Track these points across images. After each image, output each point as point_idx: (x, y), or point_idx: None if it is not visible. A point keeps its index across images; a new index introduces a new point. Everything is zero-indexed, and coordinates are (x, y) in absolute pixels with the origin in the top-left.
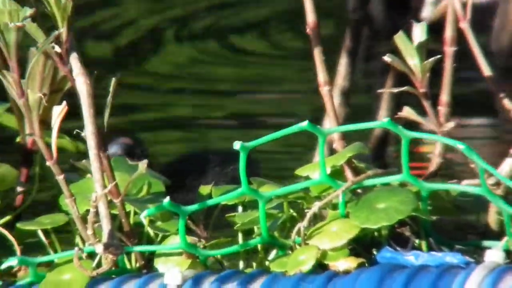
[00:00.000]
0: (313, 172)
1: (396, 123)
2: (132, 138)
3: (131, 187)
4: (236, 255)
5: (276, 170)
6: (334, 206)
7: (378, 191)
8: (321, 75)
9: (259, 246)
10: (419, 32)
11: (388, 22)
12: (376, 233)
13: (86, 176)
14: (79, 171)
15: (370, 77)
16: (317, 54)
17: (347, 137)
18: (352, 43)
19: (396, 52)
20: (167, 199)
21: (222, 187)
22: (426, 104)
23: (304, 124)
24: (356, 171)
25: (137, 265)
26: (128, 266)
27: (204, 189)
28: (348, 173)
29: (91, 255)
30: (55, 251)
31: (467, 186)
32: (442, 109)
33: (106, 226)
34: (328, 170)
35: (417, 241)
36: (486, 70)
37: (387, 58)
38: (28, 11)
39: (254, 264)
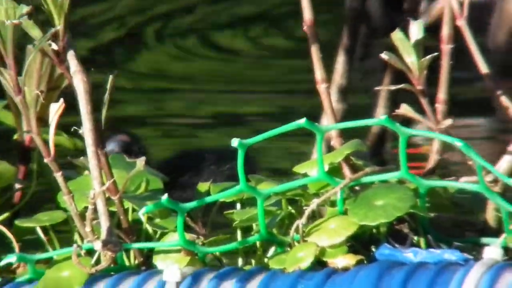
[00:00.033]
0: (311, 169)
1: (394, 120)
2: (130, 135)
3: (129, 184)
4: (235, 252)
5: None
6: (332, 203)
7: (376, 188)
8: (319, 73)
9: (257, 243)
10: (416, 30)
11: (385, 20)
12: (374, 230)
13: (84, 173)
14: (77, 168)
15: (367, 74)
16: (314, 52)
17: (345, 134)
18: (349, 40)
19: (393, 49)
20: (165, 196)
21: (220, 184)
22: (424, 102)
23: (302, 121)
24: (354, 168)
25: (136, 262)
26: (127, 263)
27: (202, 186)
28: (346, 170)
29: (90, 252)
30: (54, 248)
31: (465, 183)
32: (440, 107)
33: (104, 223)
34: (326, 168)
35: (415, 238)
36: (483, 68)
37: (384, 55)
38: (25, 9)
39: (253, 261)
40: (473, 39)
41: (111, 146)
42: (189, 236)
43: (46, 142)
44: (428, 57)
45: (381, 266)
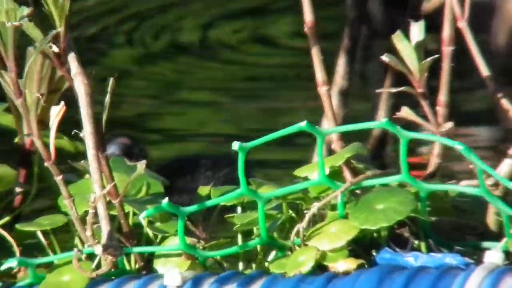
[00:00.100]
0: (312, 172)
1: (395, 123)
2: (130, 138)
3: (130, 188)
4: (236, 256)
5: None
6: (333, 207)
7: (377, 192)
8: (320, 75)
9: (258, 247)
10: (417, 32)
11: (386, 22)
12: (375, 234)
13: (84, 176)
14: (77, 171)
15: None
16: (315, 53)
17: (346, 138)
18: (350, 42)
19: (394, 51)
20: (165, 200)
21: (221, 188)
22: (424, 104)
23: (303, 124)
24: (355, 172)
25: (137, 266)
26: (127, 267)
27: (203, 190)
28: (347, 174)
29: (91, 256)
30: (55, 252)
31: (465, 187)
32: (440, 110)
33: (105, 227)
34: (327, 171)
35: (416, 242)
36: (484, 70)
37: (385, 58)
38: (25, 11)
39: (254, 265)
40: (474, 41)
41: (112, 149)
42: (189, 240)
43: (46, 146)
44: (429, 59)
45: (382, 270)
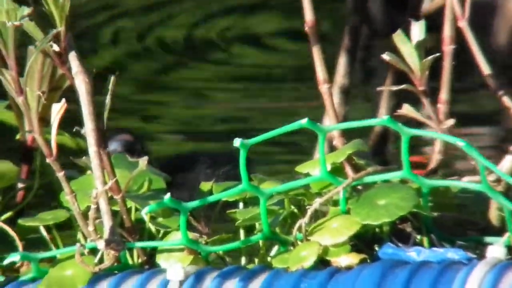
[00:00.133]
0: (314, 169)
1: (396, 120)
2: (132, 134)
3: (132, 184)
4: (238, 251)
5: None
6: (335, 203)
7: (379, 188)
8: (320, 73)
9: (260, 242)
10: (418, 31)
11: (387, 21)
12: (377, 229)
13: (86, 173)
14: (79, 167)
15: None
16: (316, 52)
17: (347, 135)
18: (351, 41)
19: (395, 50)
20: (167, 196)
21: (223, 183)
22: (425, 102)
23: (304, 121)
24: (356, 168)
25: (139, 261)
26: (130, 262)
27: (205, 186)
28: (349, 170)
29: (93, 251)
30: (57, 247)
31: (467, 182)
32: (442, 107)
33: (107, 222)
34: (329, 167)
35: (418, 237)
36: (485, 68)
37: (386, 56)
38: (26, 10)
39: (256, 260)
40: (475, 40)
41: (114, 145)
42: (192, 235)
43: (48, 142)
44: (430, 58)
45: (384, 265)
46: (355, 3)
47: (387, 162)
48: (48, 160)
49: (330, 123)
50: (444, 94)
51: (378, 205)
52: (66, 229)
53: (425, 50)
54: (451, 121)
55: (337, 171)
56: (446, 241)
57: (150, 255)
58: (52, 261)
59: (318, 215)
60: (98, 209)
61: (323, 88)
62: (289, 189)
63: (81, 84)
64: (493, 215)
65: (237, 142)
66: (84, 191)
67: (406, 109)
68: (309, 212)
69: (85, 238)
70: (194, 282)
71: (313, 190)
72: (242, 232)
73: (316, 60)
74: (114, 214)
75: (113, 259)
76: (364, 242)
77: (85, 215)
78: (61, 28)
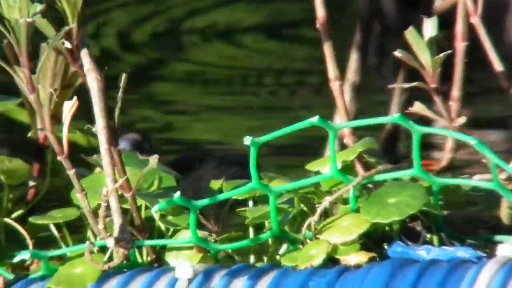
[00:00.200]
0: (324, 167)
1: (408, 118)
2: (141, 133)
3: (142, 182)
4: (247, 250)
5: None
6: (345, 201)
7: (389, 186)
8: (332, 70)
9: (269, 241)
10: (430, 27)
11: (399, 17)
12: (387, 228)
13: (95, 170)
14: (90, 165)
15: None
16: (327, 49)
17: (358, 132)
18: (363, 38)
19: (407, 47)
20: (177, 194)
21: (233, 182)
22: (437, 100)
23: (315, 119)
24: (367, 166)
25: (149, 259)
26: (139, 260)
27: (215, 184)
28: (359, 168)
29: (103, 249)
30: (67, 245)
31: (478, 181)
32: (453, 105)
33: (117, 220)
34: (339, 165)
35: (428, 235)
36: (497, 65)
37: (397, 53)
38: (38, 7)
39: (265, 258)
40: (487, 37)
41: (122, 144)
42: (201, 233)
43: (59, 140)
44: (442, 55)
45: (394, 264)
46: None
47: (397, 160)
48: (59, 158)
49: (341, 121)
50: (456, 92)
51: (388, 204)
52: (76, 227)
53: (437, 48)
54: (462, 119)
55: (347, 169)
56: (456, 240)
57: (159, 253)
58: (62, 259)
59: (327, 213)
60: (108, 207)
61: (334, 85)
62: (299, 187)
63: (93, 82)
64: (504, 214)
65: (247, 140)
66: (94, 189)
67: (418, 107)
68: (318, 210)
69: (95, 236)
70: (202, 280)
71: (323, 188)
72: (251, 231)
73: (327, 57)
74: (124, 212)
75: (123, 257)
76: (374, 240)
77: (95, 213)
78: (73, 25)
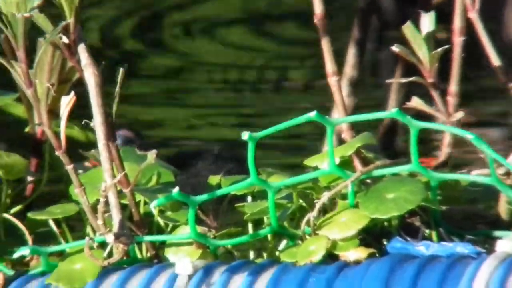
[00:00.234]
0: (322, 162)
1: (405, 113)
2: (132, 131)
3: (141, 177)
4: (246, 245)
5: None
6: (344, 196)
7: (387, 181)
8: (329, 65)
9: (269, 236)
10: (428, 22)
11: (397, 12)
12: (386, 223)
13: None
14: (88, 160)
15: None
16: (325, 44)
17: (356, 128)
18: (360, 32)
19: (404, 42)
20: (176, 189)
21: (231, 177)
22: (435, 94)
23: (312, 114)
24: (365, 162)
25: (148, 254)
26: (139, 255)
27: (213, 180)
28: (357, 164)
29: (102, 244)
30: (66, 241)
31: (476, 176)
32: (451, 99)
33: (116, 216)
34: (337, 161)
35: (427, 231)
36: (495, 60)
37: (395, 48)
38: (36, 2)
39: (265, 254)
40: (485, 31)
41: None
42: (200, 229)
43: (57, 135)
44: (439, 49)
45: (393, 259)
46: None
47: (396, 155)
48: (57, 153)
49: (338, 116)
50: (453, 86)
51: (386, 199)
52: (76, 223)
53: (434, 42)
54: (460, 114)
55: (345, 164)
56: (455, 235)
57: (159, 249)
58: (62, 255)
59: (326, 209)
60: (107, 203)
61: (332, 80)
62: (298, 182)
63: (90, 77)
64: (503, 209)
65: (245, 135)
66: (93, 185)
67: (415, 102)
68: (317, 206)
69: (94, 231)
70: (202, 276)
71: (321, 184)
72: (250, 226)
73: (325, 52)
74: (123, 207)
75: (122, 253)
76: (373, 236)
77: (94, 208)
78: (70, 20)
